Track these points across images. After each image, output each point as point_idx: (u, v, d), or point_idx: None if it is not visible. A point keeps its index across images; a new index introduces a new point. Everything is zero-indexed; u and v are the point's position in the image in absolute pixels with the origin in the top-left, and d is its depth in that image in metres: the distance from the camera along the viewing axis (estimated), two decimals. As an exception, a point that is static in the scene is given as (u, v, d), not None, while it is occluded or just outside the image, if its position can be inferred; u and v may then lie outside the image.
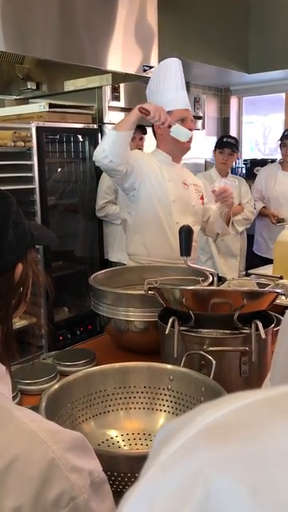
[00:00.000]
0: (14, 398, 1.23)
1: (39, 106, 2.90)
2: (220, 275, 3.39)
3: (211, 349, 1.15)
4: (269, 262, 2.65)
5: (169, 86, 2.12)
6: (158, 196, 2.05)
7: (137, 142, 3.09)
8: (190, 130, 2.11)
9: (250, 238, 3.92)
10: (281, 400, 0.27)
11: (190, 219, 2.08)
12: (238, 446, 0.24)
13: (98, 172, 3.16)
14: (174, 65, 2.19)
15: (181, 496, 0.24)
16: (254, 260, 3.78)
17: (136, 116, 1.92)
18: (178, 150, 2.14)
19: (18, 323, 0.96)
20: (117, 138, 1.90)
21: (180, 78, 2.16)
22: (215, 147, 3.64)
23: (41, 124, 2.74)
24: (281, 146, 3.76)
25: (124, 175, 1.97)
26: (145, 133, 3.14)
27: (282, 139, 3.75)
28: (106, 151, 1.89)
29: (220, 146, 3.57)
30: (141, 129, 3.07)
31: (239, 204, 3.63)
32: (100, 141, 3.14)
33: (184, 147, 2.14)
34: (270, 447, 0.24)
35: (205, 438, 0.26)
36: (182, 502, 0.23)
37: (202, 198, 2.23)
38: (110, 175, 2.04)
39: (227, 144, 3.54)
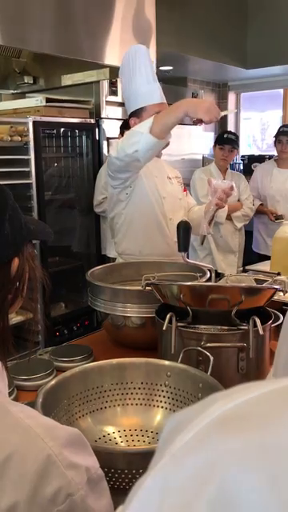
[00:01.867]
0: (10, 393, 1.22)
1: (36, 100, 2.88)
2: (219, 271, 3.40)
3: (209, 345, 1.14)
4: (266, 259, 2.65)
5: (138, 78, 1.97)
6: (152, 193, 1.99)
7: None
8: None
9: (248, 235, 3.92)
10: None
11: (180, 214, 2.05)
12: (253, 436, 0.24)
13: (95, 167, 3.15)
14: (141, 53, 2.01)
15: (195, 487, 0.23)
16: (251, 257, 3.78)
17: (178, 120, 1.73)
18: None
19: (15, 319, 0.95)
20: (154, 145, 1.75)
21: (150, 68, 1.99)
22: (215, 143, 3.62)
23: (38, 118, 2.73)
24: (276, 142, 3.75)
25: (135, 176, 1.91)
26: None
27: (277, 136, 3.74)
28: (138, 154, 1.76)
29: (221, 142, 3.55)
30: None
31: (238, 200, 3.63)
32: (97, 136, 3.13)
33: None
34: (284, 437, 0.23)
35: (218, 428, 0.25)
36: (197, 492, 0.23)
37: (184, 189, 2.17)
38: (122, 172, 1.90)
39: (228, 140, 3.53)
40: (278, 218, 3.60)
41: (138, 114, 1.99)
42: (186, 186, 2.42)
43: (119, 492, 0.79)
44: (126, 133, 1.87)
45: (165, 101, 2.03)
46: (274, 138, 3.78)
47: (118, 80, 3.20)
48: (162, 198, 2.02)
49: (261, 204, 3.81)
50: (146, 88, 1.97)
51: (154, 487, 0.26)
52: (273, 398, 0.27)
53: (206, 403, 0.28)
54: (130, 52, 2.03)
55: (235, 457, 0.23)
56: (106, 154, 3.17)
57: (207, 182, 2.02)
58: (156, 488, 0.25)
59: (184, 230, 1.56)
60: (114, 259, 3.14)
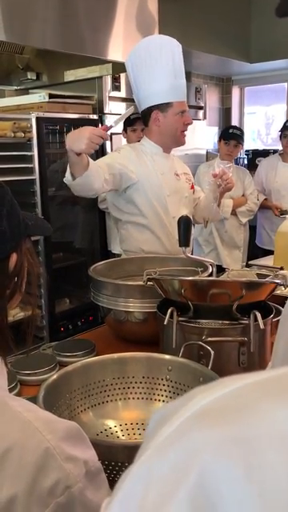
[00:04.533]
0: (13, 388, 1.24)
1: (39, 96, 2.89)
2: (224, 266, 3.40)
3: (210, 339, 1.15)
4: (270, 253, 2.65)
5: (166, 72, 1.92)
6: (154, 191, 1.98)
7: (138, 134, 3.07)
8: (189, 123, 2.02)
9: (252, 230, 3.92)
10: (272, 382, 0.28)
11: (184, 211, 2.02)
12: (231, 428, 0.24)
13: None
14: (169, 45, 1.97)
15: (175, 478, 0.24)
16: (255, 252, 3.78)
17: (74, 158, 1.69)
18: (172, 143, 2.06)
19: (19, 314, 0.96)
20: (80, 182, 1.75)
21: (179, 62, 1.96)
22: (220, 138, 3.61)
23: (41, 114, 2.73)
24: (281, 136, 3.74)
25: (112, 187, 1.90)
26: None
27: (282, 130, 3.72)
28: (79, 193, 1.82)
29: (226, 137, 3.54)
30: (142, 120, 3.05)
31: (243, 195, 3.62)
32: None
33: (180, 142, 2.07)
34: (263, 428, 0.24)
35: (198, 420, 0.26)
36: (177, 483, 0.24)
37: (192, 187, 2.17)
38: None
39: (233, 135, 3.51)
40: (283, 212, 3.59)
41: (162, 108, 1.98)
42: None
43: (120, 485, 0.80)
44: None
45: (186, 99, 2.04)
46: (280, 133, 3.76)
47: (121, 75, 3.20)
48: (166, 195, 2.01)
49: (265, 198, 3.80)
50: (173, 82, 1.95)
51: (137, 479, 0.26)
52: (250, 391, 0.27)
53: (188, 397, 0.28)
54: (153, 40, 2.00)
55: (213, 448, 0.24)
56: (109, 149, 3.17)
57: (212, 175, 2.04)
58: (140, 479, 0.26)
59: (184, 225, 1.56)
60: (119, 255, 3.15)
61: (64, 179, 1.82)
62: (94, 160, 1.92)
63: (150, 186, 1.97)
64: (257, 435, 0.24)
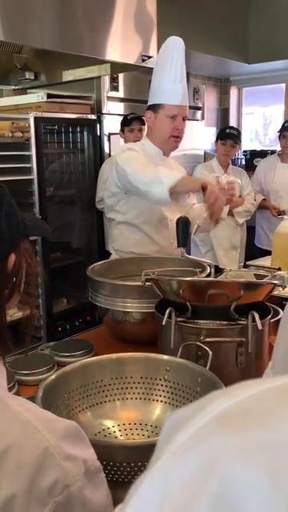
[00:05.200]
0: (11, 388, 1.23)
1: (37, 96, 2.88)
2: (220, 267, 3.40)
3: (208, 339, 1.15)
4: (269, 254, 2.65)
5: (167, 74, 1.94)
6: None
7: (135, 134, 3.07)
8: (179, 129, 1.97)
9: (251, 230, 3.92)
10: None
11: (179, 214, 2.04)
12: (253, 433, 0.24)
13: (96, 163, 3.15)
14: (176, 48, 1.97)
15: (196, 484, 0.23)
16: (254, 252, 3.78)
17: (192, 191, 1.79)
18: (162, 146, 2.04)
19: (16, 314, 0.96)
20: (162, 200, 1.77)
21: (180, 66, 1.95)
22: (217, 138, 3.61)
23: (39, 114, 2.73)
24: (280, 137, 3.75)
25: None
26: (144, 124, 3.13)
27: (281, 131, 3.73)
28: (146, 196, 1.80)
29: (223, 137, 3.55)
30: (140, 120, 3.06)
31: (239, 196, 3.63)
32: (98, 131, 3.13)
33: (169, 146, 2.04)
34: (286, 434, 0.23)
35: (219, 425, 0.25)
36: (198, 490, 0.23)
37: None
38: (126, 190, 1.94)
39: (230, 135, 3.52)
40: (281, 213, 3.59)
41: (155, 109, 1.98)
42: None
43: (118, 485, 0.80)
44: (157, 167, 1.80)
45: (186, 104, 2.00)
46: (278, 133, 3.77)
47: (120, 75, 3.20)
48: None
49: (263, 199, 3.81)
50: (169, 86, 1.94)
51: (153, 486, 0.25)
52: (273, 395, 0.26)
53: (206, 401, 0.28)
54: (167, 43, 2.00)
55: (236, 454, 0.23)
56: (107, 149, 3.17)
57: (216, 180, 2.00)
58: (156, 486, 0.25)
59: (183, 225, 1.56)
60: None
61: (157, 192, 1.76)
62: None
63: None
64: (282, 441, 0.23)
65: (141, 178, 1.78)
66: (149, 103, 2.03)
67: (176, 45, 1.97)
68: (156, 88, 1.97)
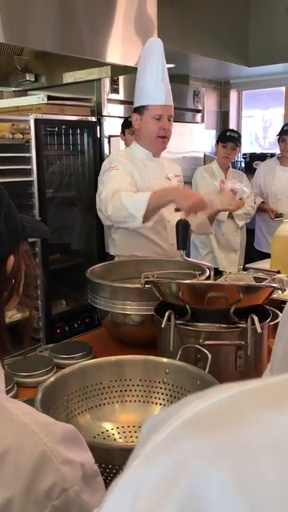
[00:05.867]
0: (10, 390, 1.23)
1: (38, 98, 2.88)
2: (220, 269, 3.40)
3: (207, 342, 1.15)
4: (268, 256, 2.65)
5: (148, 75, 1.93)
6: None
7: (127, 137, 3.07)
8: (165, 129, 1.95)
9: (250, 233, 3.92)
10: (266, 390, 0.27)
11: (177, 215, 2.02)
12: (222, 436, 0.24)
13: (96, 165, 3.15)
14: (156, 49, 1.95)
15: (165, 486, 0.23)
16: (253, 254, 3.78)
17: (164, 206, 1.78)
18: (150, 147, 2.03)
19: (15, 316, 0.96)
20: (139, 227, 1.80)
21: (161, 66, 1.94)
22: (218, 141, 3.62)
23: (39, 116, 2.73)
24: (279, 140, 3.75)
25: None
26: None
27: (280, 134, 3.74)
28: (126, 226, 1.83)
29: (223, 139, 3.55)
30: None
31: (240, 198, 3.63)
32: (98, 133, 3.13)
33: (157, 147, 2.02)
34: (255, 437, 0.23)
35: (189, 428, 0.25)
36: (167, 492, 0.23)
37: None
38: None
39: (230, 138, 3.52)
40: (278, 216, 3.60)
41: (140, 111, 1.99)
42: (186, 183, 2.40)
43: (116, 488, 0.79)
44: (123, 199, 1.77)
45: (170, 103, 1.98)
46: (278, 137, 3.78)
47: (120, 78, 3.21)
48: None
49: (262, 202, 3.81)
50: (152, 87, 1.94)
51: (126, 488, 0.26)
52: (244, 399, 0.27)
53: (181, 404, 0.28)
54: (147, 45, 1.99)
55: (204, 457, 0.23)
56: (107, 151, 3.17)
57: (220, 182, 2.00)
58: (128, 488, 0.26)
59: (183, 228, 1.56)
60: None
61: (125, 217, 1.79)
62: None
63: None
64: (249, 443, 0.23)
65: (115, 219, 1.81)
66: (134, 106, 2.03)
67: (155, 45, 1.96)
68: (139, 90, 1.97)
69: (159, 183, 2.02)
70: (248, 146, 5.51)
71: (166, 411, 0.29)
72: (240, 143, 3.62)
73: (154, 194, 1.74)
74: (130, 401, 1.11)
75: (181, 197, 1.75)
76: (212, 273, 1.54)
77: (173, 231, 1.91)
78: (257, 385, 0.28)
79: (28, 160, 2.68)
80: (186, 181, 3.57)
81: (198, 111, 4.04)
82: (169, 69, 4.58)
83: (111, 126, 3.18)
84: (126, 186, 1.87)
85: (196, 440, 0.24)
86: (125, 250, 2.03)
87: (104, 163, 2.08)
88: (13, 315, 0.92)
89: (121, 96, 3.24)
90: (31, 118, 2.67)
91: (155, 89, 1.94)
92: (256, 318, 1.17)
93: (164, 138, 2.00)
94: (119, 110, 3.23)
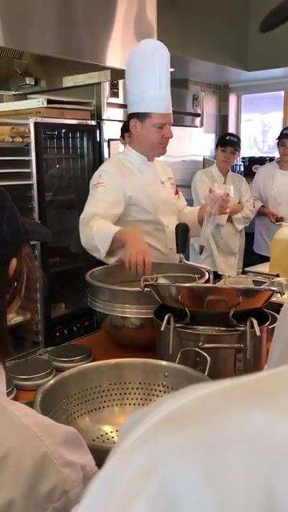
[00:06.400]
0: (9, 393, 1.23)
1: (37, 101, 2.89)
2: (219, 273, 3.41)
3: (206, 345, 1.15)
4: (267, 260, 2.66)
5: (151, 79, 1.84)
6: (145, 203, 1.94)
7: (127, 141, 3.08)
8: (168, 137, 1.93)
9: (250, 237, 3.93)
10: (238, 389, 0.28)
11: (174, 219, 2.01)
12: (193, 433, 0.25)
13: (95, 168, 3.15)
14: (161, 53, 1.87)
15: (139, 482, 0.24)
16: (253, 258, 3.79)
17: (120, 244, 1.71)
18: (150, 154, 2.00)
19: (15, 319, 0.96)
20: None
21: (165, 72, 1.87)
22: (217, 145, 3.63)
23: (39, 120, 2.74)
24: (279, 144, 3.76)
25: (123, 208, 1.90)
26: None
27: (280, 138, 3.75)
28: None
29: (223, 143, 3.56)
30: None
31: (239, 202, 3.64)
32: (98, 137, 3.14)
33: (158, 153, 2.00)
34: (225, 433, 0.24)
35: (163, 426, 0.26)
36: (140, 487, 0.24)
37: (176, 192, 2.12)
38: None
39: (230, 142, 3.54)
40: (279, 220, 3.61)
41: (141, 117, 1.92)
42: (182, 186, 2.40)
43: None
44: (94, 229, 1.74)
45: (171, 111, 1.95)
46: (277, 141, 3.79)
47: (120, 82, 3.22)
48: (157, 206, 1.98)
49: (262, 205, 3.82)
50: (155, 93, 1.87)
51: (103, 484, 0.26)
52: (217, 397, 0.27)
53: (158, 403, 0.29)
54: (147, 46, 1.91)
55: (176, 453, 0.24)
56: (107, 155, 3.18)
57: (208, 190, 1.99)
58: (105, 485, 0.26)
59: (182, 231, 1.57)
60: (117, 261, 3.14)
61: (95, 252, 1.80)
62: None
63: (142, 199, 1.94)
64: (218, 440, 0.24)
65: (85, 246, 1.81)
66: (132, 111, 1.94)
67: (158, 49, 1.89)
68: (139, 95, 1.88)
69: (154, 188, 2.00)
70: (247, 150, 5.53)
71: (143, 409, 0.29)
72: (239, 147, 3.64)
73: (118, 232, 1.70)
74: (130, 404, 1.12)
75: (130, 246, 1.65)
76: (211, 276, 1.54)
77: (171, 236, 1.92)
78: (230, 384, 0.28)
79: (28, 163, 2.69)
80: (185, 184, 3.59)
81: (198, 115, 4.05)
82: (168, 73, 4.57)
83: (111, 129, 3.19)
84: (107, 208, 1.83)
85: (169, 437, 0.25)
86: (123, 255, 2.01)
87: (95, 174, 2.03)
88: (12, 318, 0.92)
89: (120, 100, 3.25)
90: (31, 122, 2.68)
91: (159, 96, 1.88)
92: (255, 321, 1.17)
93: (165, 144, 1.98)
94: (119, 113, 3.25)
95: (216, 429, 0.24)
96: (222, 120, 5.43)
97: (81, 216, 1.86)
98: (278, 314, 1.41)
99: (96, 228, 1.74)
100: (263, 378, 0.29)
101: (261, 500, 0.21)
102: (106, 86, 3.16)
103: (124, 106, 3.27)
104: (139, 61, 1.88)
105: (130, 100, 1.98)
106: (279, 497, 0.21)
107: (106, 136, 3.19)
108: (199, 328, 1.25)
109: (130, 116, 1.98)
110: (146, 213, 1.96)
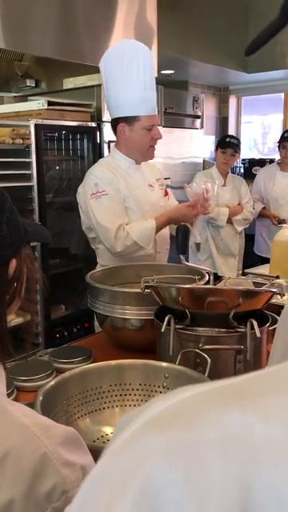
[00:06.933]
0: (10, 394, 1.23)
1: (38, 103, 2.90)
2: (219, 274, 3.41)
3: (206, 347, 1.15)
4: (268, 261, 2.66)
5: (135, 81, 1.80)
6: (135, 207, 1.93)
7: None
8: (157, 138, 1.92)
9: (250, 238, 3.93)
10: (221, 391, 0.28)
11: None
12: (176, 433, 0.25)
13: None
14: (143, 54, 1.82)
15: (124, 482, 0.25)
16: (253, 260, 3.80)
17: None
18: (139, 157, 1.99)
19: (15, 320, 0.97)
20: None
21: (149, 73, 1.82)
22: (217, 146, 3.63)
23: (39, 121, 2.74)
24: (280, 147, 3.77)
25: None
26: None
27: (281, 141, 3.76)
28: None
29: (223, 145, 3.57)
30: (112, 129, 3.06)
31: (238, 204, 3.64)
32: (98, 139, 3.15)
33: (148, 156, 1.99)
34: (206, 433, 0.25)
35: (149, 427, 0.27)
36: (125, 487, 0.25)
37: (166, 193, 2.11)
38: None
39: (230, 144, 3.54)
40: (281, 222, 3.61)
41: (129, 121, 1.90)
42: (181, 188, 2.40)
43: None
44: (132, 236, 1.85)
45: (156, 112, 1.92)
46: (278, 143, 3.79)
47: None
48: (145, 210, 1.97)
49: (263, 207, 3.82)
50: (142, 95, 1.83)
51: (92, 485, 0.27)
52: (202, 398, 0.28)
53: (146, 405, 0.29)
54: (127, 46, 1.85)
55: (159, 453, 0.25)
56: (106, 153, 3.18)
57: (186, 191, 2.00)
58: (94, 486, 0.27)
59: (183, 233, 1.57)
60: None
61: (127, 243, 1.87)
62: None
63: (131, 203, 1.94)
64: (200, 439, 0.24)
65: (125, 253, 1.86)
66: (119, 115, 1.91)
67: (140, 49, 1.85)
68: (123, 98, 1.84)
69: (143, 192, 1.99)
70: (247, 152, 5.54)
71: (134, 411, 0.30)
72: (239, 149, 3.64)
73: (158, 224, 1.87)
74: (130, 405, 1.12)
75: (181, 216, 1.89)
76: (211, 277, 1.54)
77: (160, 239, 1.93)
78: (215, 386, 0.29)
79: (28, 165, 2.69)
80: (184, 186, 3.58)
81: (198, 117, 4.06)
82: (168, 75, 4.62)
83: (111, 131, 3.19)
84: (123, 215, 1.88)
85: (153, 438, 0.26)
86: (110, 260, 1.97)
87: (87, 182, 1.96)
88: (11, 319, 0.93)
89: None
90: (31, 124, 2.68)
91: (145, 98, 1.85)
92: (255, 323, 1.17)
93: (154, 146, 1.97)
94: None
95: (197, 430, 0.25)
96: (222, 122, 5.44)
97: (101, 229, 1.89)
98: (279, 315, 1.41)
99: (134, 234, 1.84)
100: (250, 379, 0.29)
101: (237, 497, 0.22)
102: (107, 88, 3.17)
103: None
104: (118, 63, 1.82)
105: (112, 104, 1.93)
106: (254, 494, 0.22)
107: (106, 138, 3.19)
108: (199, 329, 1.25)
109: (116, 120, 1.93)
110: (134, 215, 1.94)
